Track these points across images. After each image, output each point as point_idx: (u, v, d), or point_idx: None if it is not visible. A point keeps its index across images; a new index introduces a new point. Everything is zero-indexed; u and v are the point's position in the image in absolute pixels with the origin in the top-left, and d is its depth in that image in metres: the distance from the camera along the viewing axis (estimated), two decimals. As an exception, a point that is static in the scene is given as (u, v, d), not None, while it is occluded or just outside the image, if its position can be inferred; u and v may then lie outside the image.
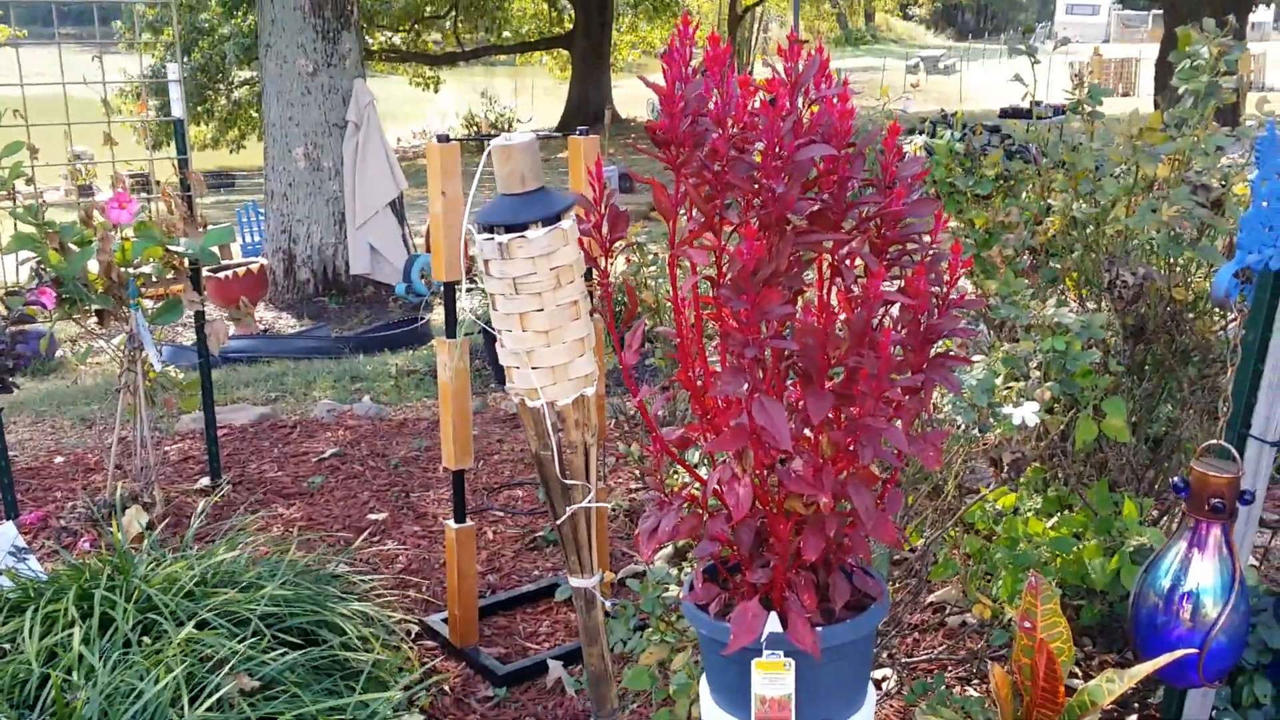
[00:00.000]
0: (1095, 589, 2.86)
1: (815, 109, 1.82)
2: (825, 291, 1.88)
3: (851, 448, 1.77)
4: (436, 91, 30.06)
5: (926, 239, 1.86)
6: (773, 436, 1.67)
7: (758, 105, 1.76)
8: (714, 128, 1.75)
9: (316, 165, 9.86)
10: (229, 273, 9.24)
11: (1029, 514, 3.12)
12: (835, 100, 1.77)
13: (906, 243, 1.86)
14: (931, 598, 3.44)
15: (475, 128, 26.39)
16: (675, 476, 2.41)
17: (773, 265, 1.69)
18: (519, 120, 28.22)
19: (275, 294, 10.06)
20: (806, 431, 1.87)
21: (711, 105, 1.81)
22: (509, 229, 2.27)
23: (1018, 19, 54.13)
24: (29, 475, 4.66)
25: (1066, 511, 3.04)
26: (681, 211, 1.83)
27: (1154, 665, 2.06)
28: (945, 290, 1.82)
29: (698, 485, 1.99)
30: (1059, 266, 3.10)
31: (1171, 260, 2.83)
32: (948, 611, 3.39)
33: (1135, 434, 3.11)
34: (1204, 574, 2.09)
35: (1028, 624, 2.15)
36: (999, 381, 2.68)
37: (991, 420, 2.61)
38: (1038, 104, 3.38)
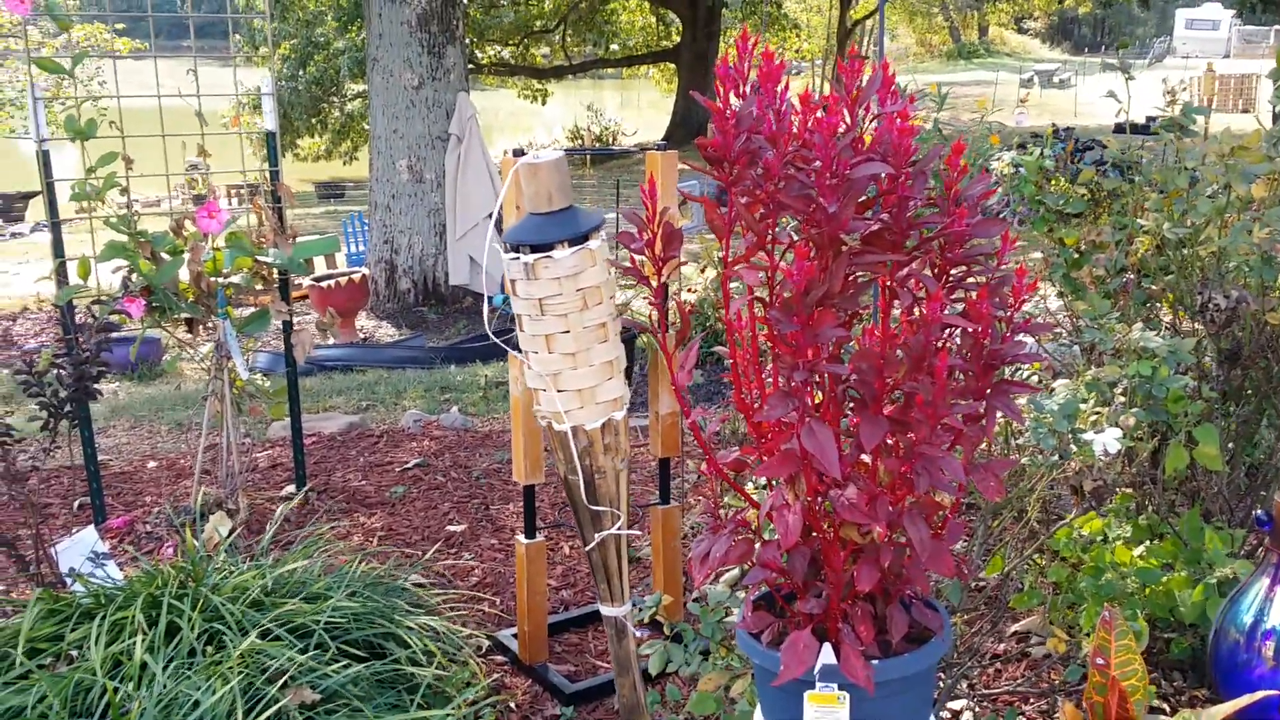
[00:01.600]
0: (1185, 621, 2.74)
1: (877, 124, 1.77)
2: (886, 314, 1.82)
3: (908, 475, 1.71)
4: (544, 104, 30.37)
5: (992, 260, 1.79)
6: (821, 464, 1.62)
7: (814, 122, 1.71)
8: (768, 145, 1.70)
9: (419, 177, 10.00)
10: (332, 282, 9.40)
11: (1117, 542, 3.01)
12: (896, 117, 1.72)
13: (971, 264, 1.79)
14: (1016, 627, 3.33)
15: (580, 140, 26.59)
16: (738, 500, 2.36)
17: (825, 287, 1.64)
18: (624, 133, 28.34)
19: (376, 303, 10.22)
20: (865, 457, 1.82)
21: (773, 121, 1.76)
22: (534, 249, 2.23)
23: (1135, 33, 52.79)
24: (122, 479, 4.77)
25: (1156, 541, 2.92)
26: (737, 230, 1.79)
27: (1234, 706, 1.96)
28: (1010, 314, 1.75)
29: (754, 510, 1.94)
30: (1152, 287, 2.99)
31: (1266, 284, 2.71)
32: (1032, 641, 3.28)
33: (1231, 462, 2.98)
34: (1289, 614, 1.99)
35: (1100, 660, 2.06)
36: (1084, 407, 2.58)
37: (1073, 447, 2.52)
38: (1153, 119, 3.28)
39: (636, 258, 1.85)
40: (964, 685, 2.98)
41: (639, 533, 2.92)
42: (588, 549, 2.40)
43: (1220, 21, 42.67)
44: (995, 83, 34.42)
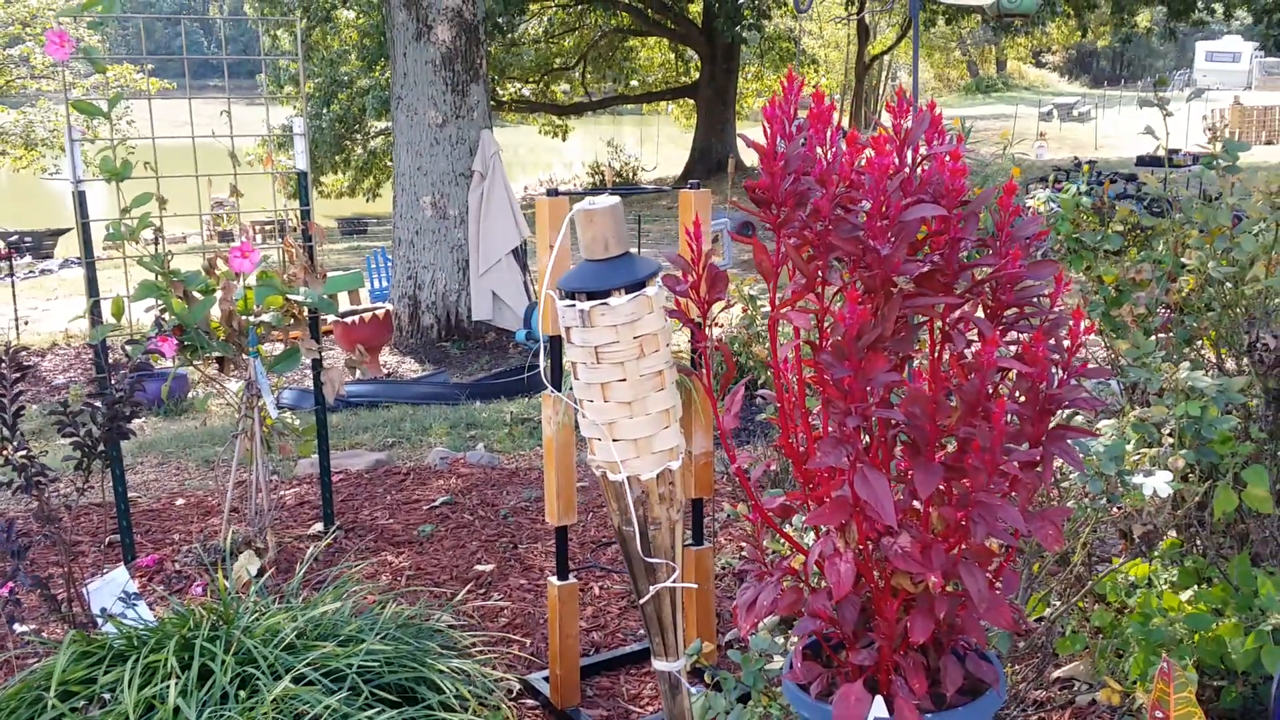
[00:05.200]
0: (1236, 669, 2.68)
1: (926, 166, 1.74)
2: (936, 357, 1.79)
3: (964, 523, 1.67)
4: (564, 140, 30.54)
5: (1046, 302, 1.76)
6: (876, 511, 1.58)
7: (864, 163, 1.68)
8: (817, 187, 1.67)
9: (443, 214, 10.03)
10: (356, 317, 9.41)
11: (1164, 587, 2.94)
12: (947, 157, 1.69)
13: (1024, 306, 1.76)
14: (1059, 672, 3.26)
15: (600, 175, 26.71)
16: (778, 543, 2.31)
17: (877, 330, 1.60)
18: (643, 168, 28.45)
19: (400, 339, 10.23)
20: (915, 503, 1.77)
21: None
22: (591, 295, 2.19)
23: (1155, 66, 52.65)
24: (150, 517, 4.75)
25: (1204, 585, 2.86)
26: (784, 272, 1.76)
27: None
28: (1066, 357, 1.71)
29: (800, 556, 1.90)
30: (1194, 325, 2.95)
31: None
32: (1076, 688, 3.21)
33: (1280, 504, 2.92)
34: (1354, 667, 1.93)
35: (1159, 714, 2.01)
36: (1129, 448, 2.53)
37: (1121, 490, 2.47)
38: (1175, 153, 3.24)
39: (681, 299, 1.82)
40: (1007, 733, 2.91)
41: (695, 585, 2.87)
42: (642, 602, 2.35)
43: (1241, 54, 42.55)
44: (1014, 116, 34.41)
